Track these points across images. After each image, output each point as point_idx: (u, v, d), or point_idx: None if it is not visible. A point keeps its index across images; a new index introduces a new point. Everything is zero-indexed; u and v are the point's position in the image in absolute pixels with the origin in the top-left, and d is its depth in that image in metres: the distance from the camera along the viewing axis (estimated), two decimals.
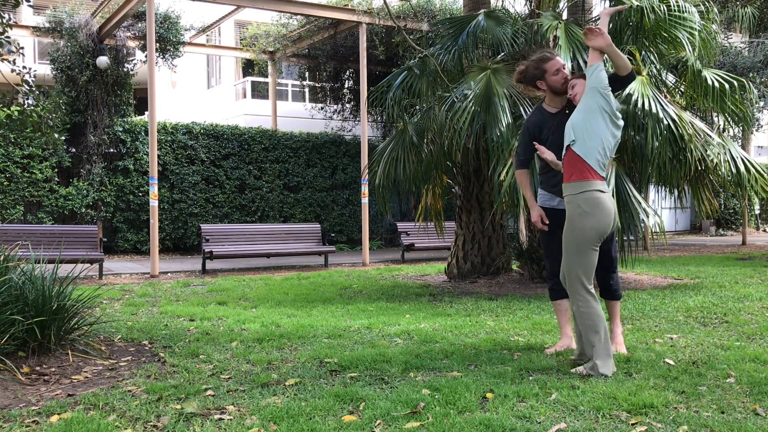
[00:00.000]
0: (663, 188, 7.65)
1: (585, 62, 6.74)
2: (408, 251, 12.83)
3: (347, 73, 17.65)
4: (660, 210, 20.65)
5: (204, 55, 21.71)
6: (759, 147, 23.70)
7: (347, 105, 17.98)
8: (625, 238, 6.57)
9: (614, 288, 4.27)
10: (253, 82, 20.70)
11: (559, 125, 4.14)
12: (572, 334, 4.39)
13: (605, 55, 3.86)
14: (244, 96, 20.76)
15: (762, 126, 18.45)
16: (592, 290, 3.76)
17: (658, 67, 7.45)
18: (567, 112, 4.12)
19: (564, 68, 4.15)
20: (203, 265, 10.74)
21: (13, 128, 5.54)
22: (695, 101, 7.52)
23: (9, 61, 5.42)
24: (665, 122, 6.71)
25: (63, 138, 12.79)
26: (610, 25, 7.31)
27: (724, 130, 8.31)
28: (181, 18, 14.19)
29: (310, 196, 15.85)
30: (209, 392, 3.43)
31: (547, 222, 4.23)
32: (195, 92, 22.52)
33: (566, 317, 4.38)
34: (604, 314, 3.87)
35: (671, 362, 3.92)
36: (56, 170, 13.19)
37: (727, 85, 7.17)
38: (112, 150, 13.75)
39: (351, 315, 5.99)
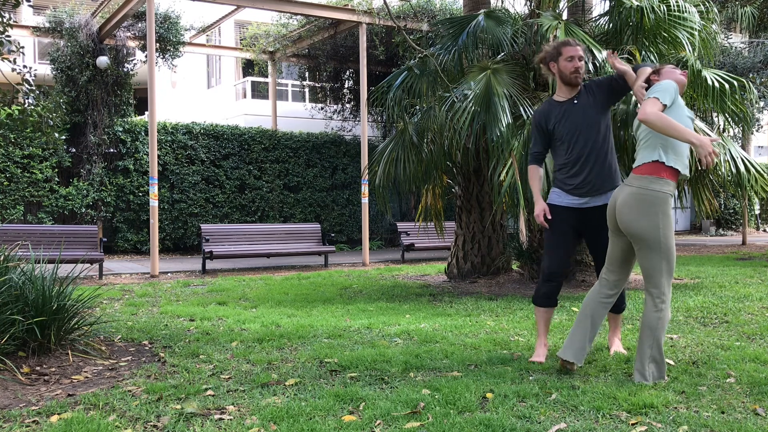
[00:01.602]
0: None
1: (585, 62, 6.74)
2: (408, 251, 12.83)
3: (347, 73, 17.65)
4: None
5: (204, 55, 21.71)
6: (759, 147, 23.69)
7: (347, 105, 17.98)
8: None
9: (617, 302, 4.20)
10: (253, 82, 20.71)
11: (565, 114, 4.06)
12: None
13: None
14: (244, 96, 20.77)
15: (762, 126, 18.45)
16: (602, 278, 3.82)
17: None
18: (575, 102, 4.06)
19: (580, 60, 4.03)
20: (203, 265, 10.74)
21: (13, 128, 5.55)
22: (695, 101, 7.52)
23: (9, 61, 5.42)
24: None
25: (63, 138, 12.80)
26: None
27: (724, 130, 8.31)
28: (181, 18, 14.19)
29: (310, 196, 15.85)
30: (209, 392, 3.43)
31: (550, 218, 4.08)
32: (195, 92, 22.53)
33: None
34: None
35: (671, 362, 3.92)
36: (56, 170, 13.19)
37: (727, 85, 7.17)
38: (112, 150, 13.75)
39: (351, 315, 5.99)
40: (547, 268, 4.11)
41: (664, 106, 3.46)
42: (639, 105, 3.67)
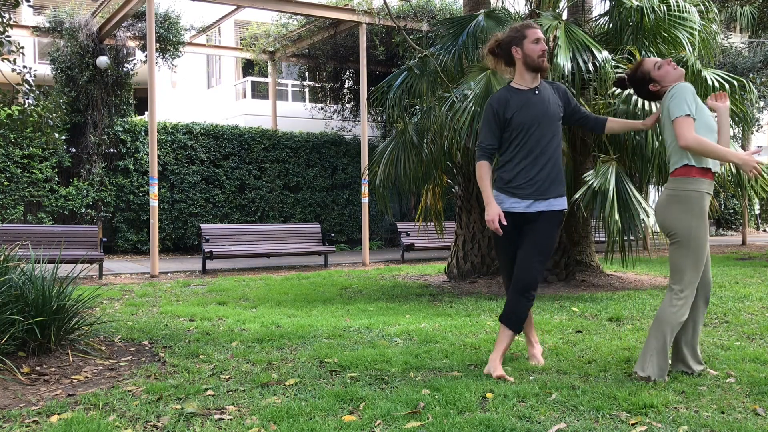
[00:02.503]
0: (663, 188, 7.65)
1: (585, 62, 6.75)
2: (408, 251, 12.83)
3: (347, 73, 17.65)
4: None
5: (204, 55, 21.72)
6: (759, 147, 23.67)
7: (347, 105, 17.99)
8: (625, 237, 6.57)
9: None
10: (253, 82, 20.71)
11: (526, 103, 3.73)
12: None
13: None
14: (244, 96, 20.77)
15: (762, 126, 18.45)
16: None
17: None
18: (537, 92, 3.77)
19: (545, 42, 3.77)
20: (203, 265, 10.73)
21: (13, 128, 5.55)
22: None
23: (9, 61, 5.42)
24: None
25: (63, 138, 12.80)
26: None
27: None
28: (181, 18, 14.20)
29: (310, 196, 15.85)
30: (209, 392, 3.43)
31: (506, 223, 3.71)
32: (195, 92, 22.53)
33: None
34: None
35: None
36: (56, 170, 13.20)
37: (727, 85, 7.17)
38: (112, 150, 13.76)
39: (351, 315, 5.99)
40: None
41: (694, 119, 3.46)
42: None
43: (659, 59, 3.77)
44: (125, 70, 13.91)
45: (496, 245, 3.92)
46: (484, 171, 3.77)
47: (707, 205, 3.54)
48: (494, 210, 3.69)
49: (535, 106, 3.74)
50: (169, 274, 10.36)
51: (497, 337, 3.80)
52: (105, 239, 10.81)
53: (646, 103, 6.52)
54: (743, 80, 7.40)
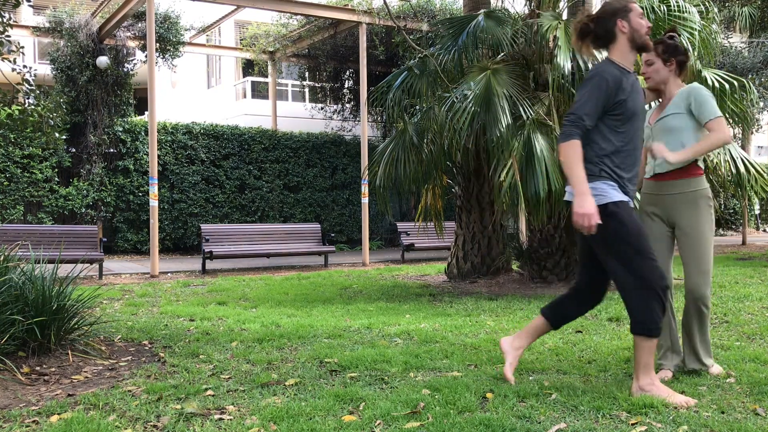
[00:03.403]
0: None
1: (585, 62, 6.74)
2: (408, 251, 12.83)
3: (347, 73, 17.66)
4: None
5: (204, 55, 21.72)
6: (759, 147, 23.70)
7: (347, 105, 17.99)
8: None
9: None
10: (253, 82, 20.71)
11: (633, 88, 3.20)
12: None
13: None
14: (244, 96, 20.77)
15: (762, 126, 18.46)
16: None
17: None
18: (636, 78, 3.29)
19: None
20: (203, 265, 10.73)
21: (13, 128, 5.55)
22: None
23: (9, 61, 5.42)
24: None
25: (63, 138, 12.79)
26: None
27: None
28: (181, 18, 14.20)
29: (310, 196, 15.85)
30: (209, 392, 3.43)
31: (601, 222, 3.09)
32: (195, 92, 22.53)
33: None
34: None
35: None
36: (56, 170, 13.20)
37: (727, 85, 7.16)
38: (112, 150, 13.76)
39: (351, 315, 5.99)
40: (662, 278, 3.18)
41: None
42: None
43: (645, 66, 3.69)
44: (125, 70, 13.91)
45: (641, 239, 3.17)
46: (578, 151, 3.10)
47: (645, 202, 3.68)
48: (591, 203, 3.06)
49: (639, 94, 3.25)
50: (169, 274, 10.36)
51: (635, 356, 3.22)
52: (105, 239, 10.81)
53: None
54: (743, 80, 7.40)
